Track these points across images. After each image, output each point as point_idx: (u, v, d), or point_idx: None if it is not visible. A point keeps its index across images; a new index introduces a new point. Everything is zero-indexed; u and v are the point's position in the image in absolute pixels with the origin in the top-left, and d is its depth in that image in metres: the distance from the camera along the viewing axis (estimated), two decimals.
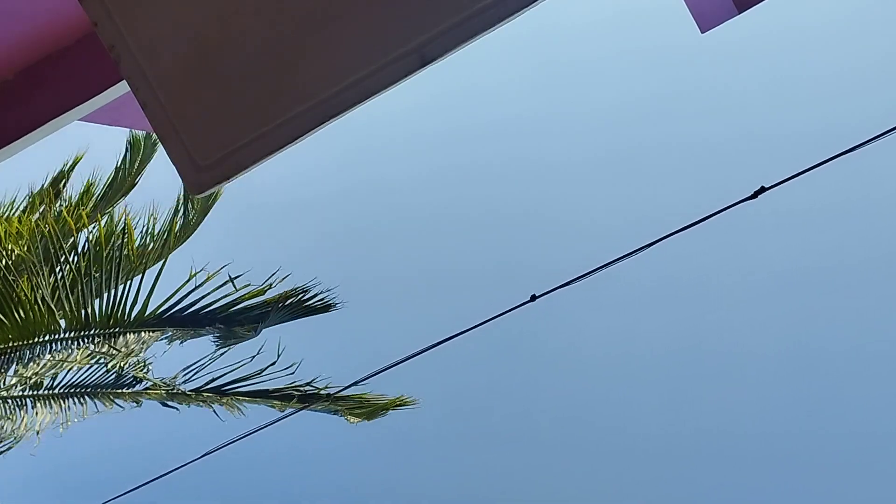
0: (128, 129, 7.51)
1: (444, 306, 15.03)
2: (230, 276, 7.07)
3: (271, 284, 7.36)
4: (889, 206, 14.22)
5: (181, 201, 7.62)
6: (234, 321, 7.27)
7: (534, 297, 3.34)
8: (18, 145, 3.13)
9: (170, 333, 7.05)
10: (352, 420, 7.95)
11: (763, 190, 2.86)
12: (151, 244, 7.26)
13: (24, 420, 6.70)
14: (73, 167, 7.94)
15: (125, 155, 7.93)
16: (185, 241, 7.66)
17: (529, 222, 15.65)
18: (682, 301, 15.18)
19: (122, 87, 2.91)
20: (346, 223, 15.88)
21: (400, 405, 8.09)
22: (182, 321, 7.02)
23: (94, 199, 7.68)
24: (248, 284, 7.26)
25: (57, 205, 7.44)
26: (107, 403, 7.12)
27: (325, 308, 7.62)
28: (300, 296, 7.51)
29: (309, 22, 1.66)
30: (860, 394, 14.41)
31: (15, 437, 6.82)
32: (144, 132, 7.62)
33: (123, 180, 7.89)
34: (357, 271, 15.71)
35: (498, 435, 15.31)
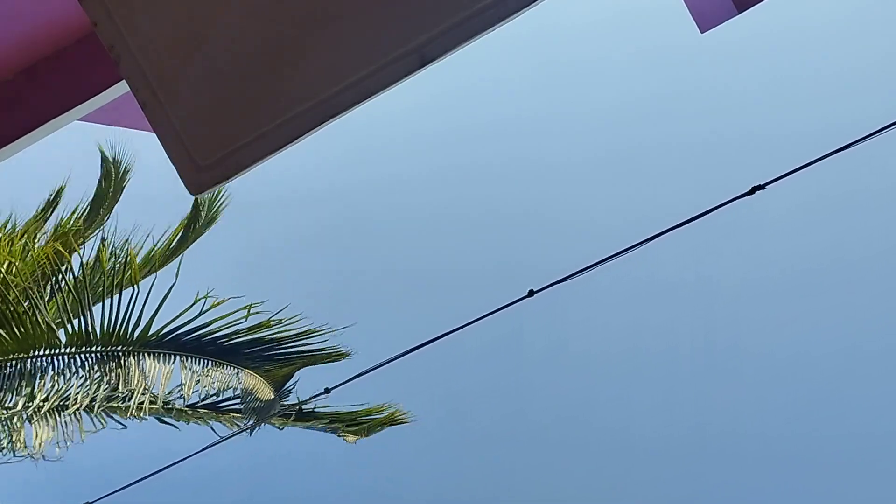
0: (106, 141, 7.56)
1: (443, 305, 15.04)
2: (247, 309, 6.98)
3: (281, 320, 7.30)
4: (886, 203, 14.23)
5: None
6: (241, 354, 7.20)
7: (532, 293, 3.35)
8: (18, 145, 3.13)
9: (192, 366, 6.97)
10: (349, 439, 7.97)
11: (759, 187, 2.87)
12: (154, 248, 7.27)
13: (22, 434, 6.65)
14: (60, 193, 7.81)
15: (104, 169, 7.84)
16: (185, 250, 7.66)
17: (529, 222, 15.66)
18: (680, 297, 15.19)
19: (122, 87, 2.91)
20: (346, 222, 15.88)
21: (393, 422, 8.11)
22: (184, 346, 6.92)
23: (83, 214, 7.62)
24: (259, 313, 7.16)
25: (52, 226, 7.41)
26: (103, 421, 7.08)
27: (338, 357, 7.61)
28: (314, 342, 7.47)
29: (309, 22, 1.66)
30: (860, 392, 14.41)
31: (13, 451, 6.77)
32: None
33: (109, 193, 7.83)
34: (356, 270, 15.72)
35: (495, 433, 15.31)
